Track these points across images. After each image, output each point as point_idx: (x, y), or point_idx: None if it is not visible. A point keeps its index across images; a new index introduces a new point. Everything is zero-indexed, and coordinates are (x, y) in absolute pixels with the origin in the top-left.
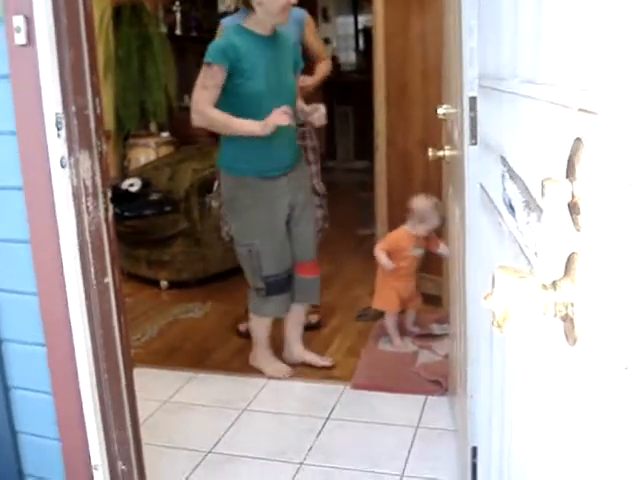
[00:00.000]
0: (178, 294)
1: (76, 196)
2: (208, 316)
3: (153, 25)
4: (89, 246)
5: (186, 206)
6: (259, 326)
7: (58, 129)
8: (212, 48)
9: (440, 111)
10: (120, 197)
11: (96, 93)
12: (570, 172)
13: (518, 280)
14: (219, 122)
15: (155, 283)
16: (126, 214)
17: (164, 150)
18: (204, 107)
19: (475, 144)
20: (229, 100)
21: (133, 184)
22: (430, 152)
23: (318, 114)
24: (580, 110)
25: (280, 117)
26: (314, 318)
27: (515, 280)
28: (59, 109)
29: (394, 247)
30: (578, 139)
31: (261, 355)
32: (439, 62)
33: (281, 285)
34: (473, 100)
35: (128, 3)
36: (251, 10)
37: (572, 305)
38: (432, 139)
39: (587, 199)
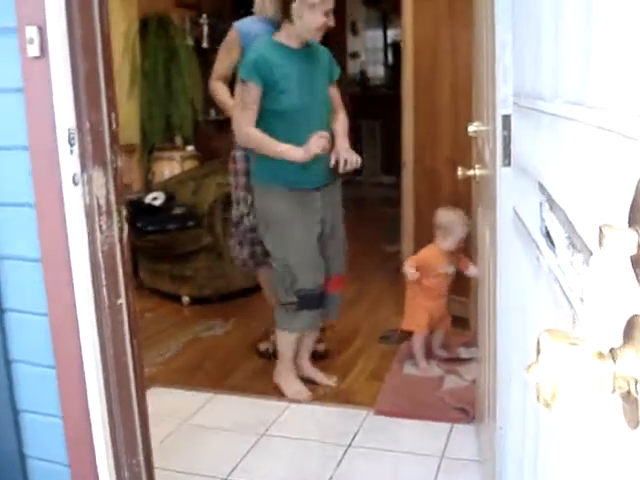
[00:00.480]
0: (200, 310)
1: (89, 215)
2: (230, 334)
3: (180, 38)
4: (102, 266)
5: (209, 221)
6: (285, 342)
7: (71, 145)
8: (245, 64)
9: (471, 129)
10: (143, 211)
11: (111, 108)
12: (635, 219)
13: (569, 348)
14: (263, 145)
15: (177, 298)
16: (149, 228)
17: (189, 164)
18: (247, 129)
19: (508, 165)
20: (264, 115)
21: (157, 198)
22: (460, 171)
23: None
24: None
25: (318, 142)
26: (321, 347)
27: (565, 347)
28: (72, 124)
29: (424, 264)
30: None
31: (285, 373)
32: (469, 78)
33: (313, 300)
34: (506, 118)
35: (155, 16)
36: (286, 22)
37: (636, 382)
38: (461, 157)
39: None
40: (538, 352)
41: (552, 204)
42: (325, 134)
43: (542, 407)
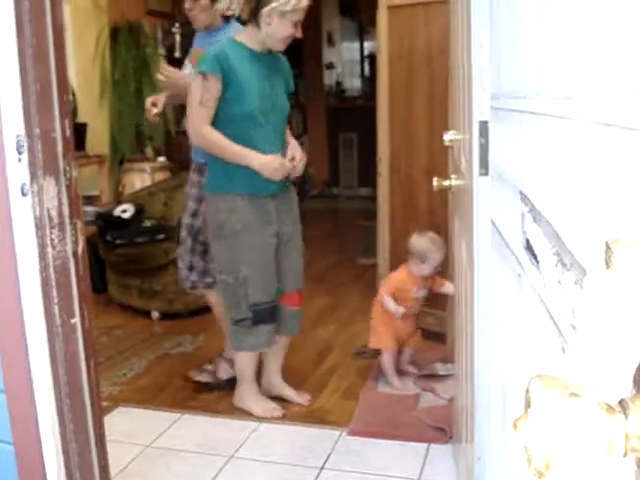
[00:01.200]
0: (170, 325)
1: (39, 227)
2: (199, 350)
3: (151, 47)
4: (53, 283)
5: (180, 234)
6: (244, 363)
7: (19, 153)
8: (206, 58)
9: (446, 137)
10: (112, 224)
11: (65, 114)
12: None
13: (568, 400)
14: (219, 146)
15: (146, 314)
16: (118, 242)
17: (160, 175)
18: (203, 126)
19: (486, 174)
20: (220, 117)
21: (126, 210)
22: (435, 181)
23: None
24: None
25: (277, 170)
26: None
27: (563, 400)
28: (21, 131)
29: (398, 289)
30: None
31: (247, 394)
32: (445, 88)
33: (268, 314)
34: (484, 125)
35: (126, 24)
36: (252, 25)
37: None
38: (437, 167)
39: None
40: (528, 404)
41: (536, 215)
42: (284, 162)
43: (533, 477)
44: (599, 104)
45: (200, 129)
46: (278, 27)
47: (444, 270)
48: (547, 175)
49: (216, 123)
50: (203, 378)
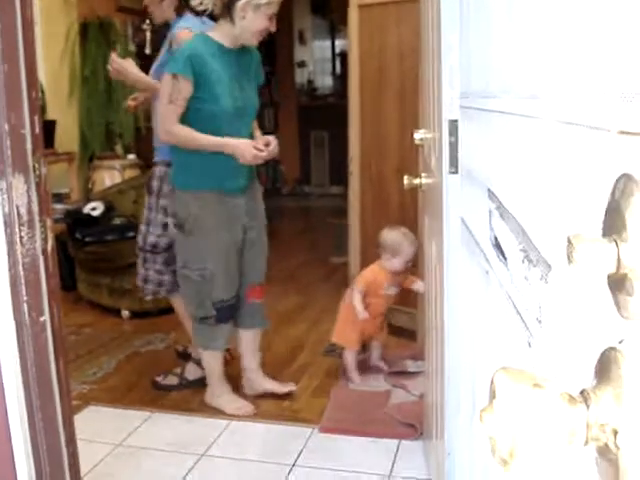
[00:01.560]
0: (140, 324)
1: (8, 225)
2: (170, 348)
3: (121, 43)
4: (22, 280)
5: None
6: (213, 361)
7: None
8: (177, 58)
9: (417, 136)
10: (82, 221)
11: (34, 110)
12: (613, 227)
13: (532, 390)
14: (191, 140)
15: (116, 312)
16: (87, 239)
17: (130, 173)
18: (171, 124)
19: (455, 172)
20: (192, 117)
21: (95, 208)
22: (406, 180)
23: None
24: (622, 133)
25: (255, 157)
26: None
27: (527, 391)
28: None
29: (370, 284)
30: (627, 177)
31: (219, 392)
32: (416, 86)
33: (230, 311)
34: (453, 124)
35: (96, 20)
36: (225, 20)
37: (615, 433)
38: (408, 165)
39: None
40: (493, 396)
41: (503, 212)
42: (261, 154)
43: (497, 465)
44: (563, 104)
45: (169, 127)
46: (252, 20)
47: (415, 268)
48: (514, 173)
49: (187, 122)
50: (169, 381)
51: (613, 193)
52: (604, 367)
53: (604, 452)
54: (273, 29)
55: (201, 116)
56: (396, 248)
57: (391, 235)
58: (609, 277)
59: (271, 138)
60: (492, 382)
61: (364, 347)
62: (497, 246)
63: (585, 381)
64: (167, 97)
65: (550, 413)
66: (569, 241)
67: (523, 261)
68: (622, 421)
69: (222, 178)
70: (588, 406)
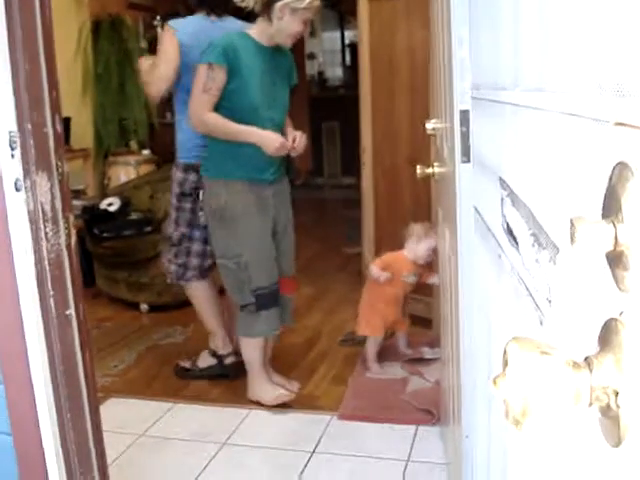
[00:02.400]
0: (159, 317)
1: (33, 222)
2: (189, 341)
3: (133, 40)
4: (48, 275)
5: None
6: (252, 349)
7: (12, 149)
8: (212, 47)
9: (429, 126)
10: (99, 217)
11: (55, 109)
12: (610, 210)
13: (540, 358)
14: (219, 128)
15: (135, 306)
16: (104, 235)
17: (145, 168)
18: (204, 113)
19: (467, 161)
20: (221, 108)
21: (112, 203)
22: (418, 169)
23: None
24: (618, 124)
25: (278, 149)
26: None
27: (536, 358)
28: (13, 127)
29: (389, 268)
30: (622, 164)
31: (258, 384)
32: (426, 77)
33: (271, 298)
34: (464, 114)
35: (108, 17)
36: (264, 18)
37: (616, 394)
38: (420, 155)
39: (639, 249)
40: (505, 364)
41: (514, 199)
42: (286, 145)
43: (511, 425)
44: (566, 97)
45: (202, 116)
46: (289, 23)
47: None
48: (524, 162)
49: (217, 111)
50: (183, 363)
51: (610, 179)
52: (606, 336)
53: (606, 412)
54: (306, 34)
55: (231, 108)
56: (424, 233)
57: (419, 225)
58: (607, 254)
59: (298, 133)
60: (505, 351)
61: (386, 335)
62: (509, 232)
63: (590, 349)
64: (202, 86)
65: (557, 377)
66: (571, 222)
67: (533, 245)
68: (622, 383)
69: (251, 168)
70: (591, 370)
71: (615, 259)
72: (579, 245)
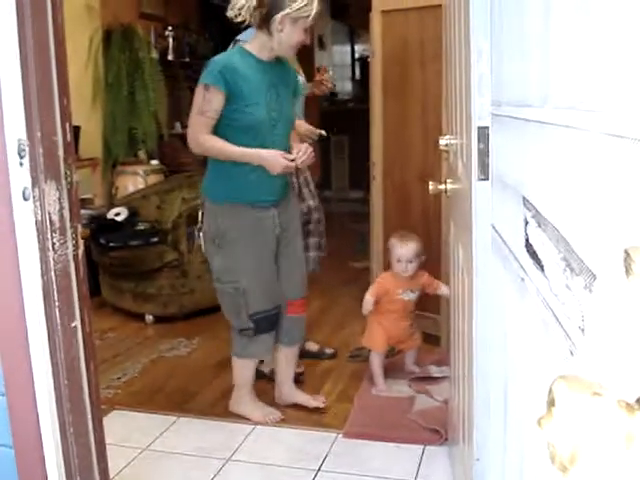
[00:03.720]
0: (164, 329)
1: (40, 231)
2: (194, 354)
3: (144, 50)
4: (54, 286)
5: (174, 237)
6: (244, 369)
7: (21, 157)
8: (210, 68)
9: (442, 142)
10: (106, 227)
11: (66, 118)
12: None
13: (591, 399)
14: (218, 150)
15: (140, 317)
16: (111, 244)
17: (153, 178)
18: (200, 135)
19: (485, 179)
20: (226, 127)
21: (119, 213)
22: (431, 185)
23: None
24: None
25: (284, 168)
26: (299, 367)
27: (587, 399)
28: (22, 135)
29: (383, 290)
30: None
31: (245, 400)
32: (439, 90)
33: (270, 322)
34: (483, 130)
35: (119, 27)
36: (263, 32)
37: None
38: (431, 171)
39: None
40: (551, 404)
41: (540, 220)
42: (290, 164)
43: (558, 472)
44: (606, 115)
45: (198, 138)
46: (290, 33)
47: (437, 272)
48: (553, 182)
49: (222, 133)
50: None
51: None
52: None
53: None
54: (308, 42)
55: (237, 127)
56: (390, 249)
57: (391, 241)
58: None
59: (303, 146)
60: (550, 390)
61: (392, 353)
62: (533, 254)
63: (637, 389)
64: (197, 108)
65: (609, 420)
66: (627, 253)
67: (564, 270)
68: None
69: (253, 191)
70: None
71: None
72: (636, 278)
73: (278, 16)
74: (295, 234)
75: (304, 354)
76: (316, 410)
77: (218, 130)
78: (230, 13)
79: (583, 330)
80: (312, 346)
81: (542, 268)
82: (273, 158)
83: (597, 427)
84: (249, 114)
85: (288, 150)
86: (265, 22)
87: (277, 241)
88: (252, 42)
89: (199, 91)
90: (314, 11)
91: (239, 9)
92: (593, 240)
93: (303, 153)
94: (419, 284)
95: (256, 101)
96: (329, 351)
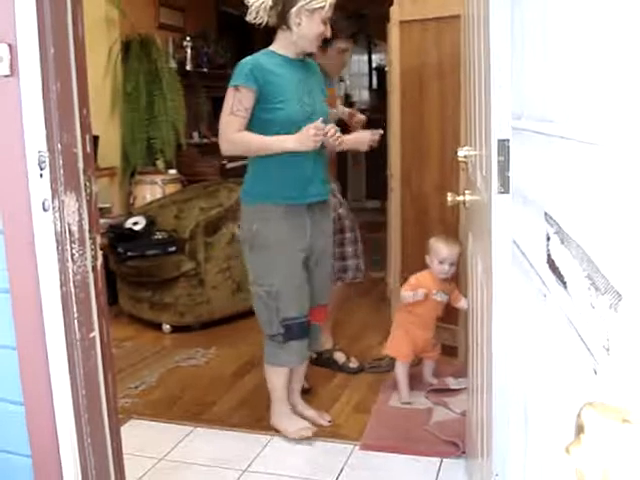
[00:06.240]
0: (181, 338)
1: (60, 242)
2: (210, 363)
3: (163, 60)
4: (73, 298)
5: (191, 247)
6: (276, 379)
7: (41, 169)
8: (238, 70)
9: (460, 153)
10: (124, 236)
11: (85, 130)
12: None
13: (622, 426)
14: (252, 144)
15: (157, 326)
16: (129, 254)
17: (171, 188)
18: (231, 133)
19: (504, 192)
20: (261, 126)
21: (137, 222)
22: (449, 197)
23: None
24: None
25: (316, 136)
26: (305, 383)
27: (617, 426)
28: (43, 147)
29: (418, 286)
30: None
31: (281, 412)
32: (458, 101)
33: (300, 329)
34: (502, 143)
35: (138, 37)
36: (283, 29)
37: None
38: (449, 182)
39: None
40: (580, 430)
41: (563, 237)
42: (320, 126)
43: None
44: (631, 132)
45: (229, 136)
46: (309, 26)
47: (459, 286)
48: (576, 198)
49: (256, 130)
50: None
51: None
52: None
53: None
54: (328, 34)
55: (271, 124)
56: (430, 247)
57: (432, 239)
58: None
59: (329, 126)
60: (579, 416)
61: (418, 364)
62: (555, 270)
63: None
64: (229, 109)
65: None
66: None
67: (589, 288)
68: None
69: (288, 192)
70: None
71: None
72: None
73: (294, 10)
74: (326, 243)
75: (329, 363)
76: (332, 421)
77: (253, 130)
78: (249, 17)
79: (608, 350)
80: (339, 357)
81: (565, 285)
82: (301, 135)
83: (627, 454)
84: (282, 110)
85: (323, 145)
86: (283, 19)
87: (309, 250)
88: (276, 42)
89: (229, 94)
90: (328, 2)
91: (256, 11)
92: (619, 259)
93: (333, 131)
94: (451, 289)
95: (289, 97)
96: (353, 366)
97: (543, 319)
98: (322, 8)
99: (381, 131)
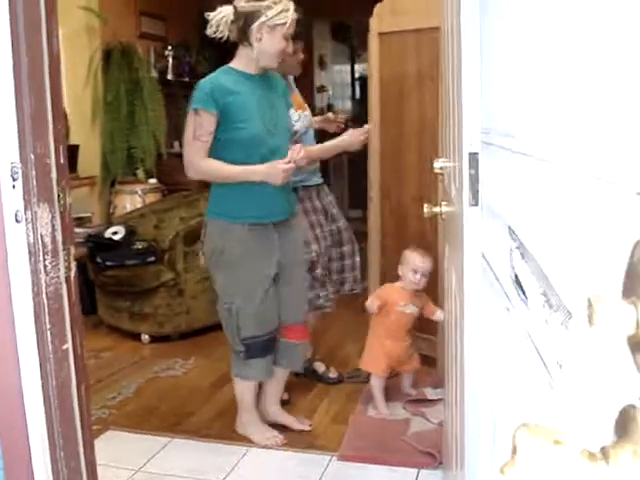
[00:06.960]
0: (160, 349)
1: (32, 254)
2: (189, 374)
3: (144, 69)
4: (46, 309)
5: (170, 256)
6: (243, 390)
7: (13, 179)
8: (198, 92)
9: (437, 165)
10: (103, 245)
11: (59, 140)
12: (631, 290)
13: (553, 448)
14: (222, 172)
15: (137, 336)
16: (108, 263)
17: (151, 197)
18: (198, 161)
19: (475, 205)
20: (224, 146)
21: (117, 232)
22: (426, 208)
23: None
24: None
25: (286, 173)
26: (284, 395)
27: (548, 448)
28: (15, 157)
29: (385, 300)
30: None
31: (247, 421)
32: (436, 112)
33: (261, 348)
34: (473, 156)
35: (119, 46)
36: (244, 45)
37: None
38: (427, 193)
39: None
40: (514, 451)
41: (524, 252)
42: (289, 166)
43: None
44: (583, 155)
45: (196, 163)
46: (269, 42)
47: (432, 294)
48: (535, 215)
49: (220, 150)
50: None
51: (632, 255)
52: (624, 424)
53: None
54: (289, 50)
55: (235, 144)
56: (405, 257)
57: (405, 251)
58: (629, 338)
59: (297, 146)
60: (514, 437)
61: (396, 375)
62: (518, 285)
63: (604, 436)
64: (191, 134)
65: (571, 470)
66: (589, 302)
67: (544, 305)
68: None
69: (256, 208)
70: (608, 463)
71: (637, 344)
72: (598, 328)
73: (255, 25)
74: (297, 257)
75: (309, 372)
76: (310, 432)
77: (215, 152)
78: (209, 31)
79: (561, 365)
80: (319, 367)
81: (526, 299)
82: (271, 168)
83: (558, 476)
84: (244, 129)
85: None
86: (244, 34)
87: (279, 266)
88: (237, 59)
89: (190, 117)
90: (290, 18)
91: (217, 25)
92: (570, 278)
93: (297, 152)
94: (421, 301)
95: (250, 115)
96: (333, 376)
97: (507, 333)
98: (284, 24)
99: (368, 126)
